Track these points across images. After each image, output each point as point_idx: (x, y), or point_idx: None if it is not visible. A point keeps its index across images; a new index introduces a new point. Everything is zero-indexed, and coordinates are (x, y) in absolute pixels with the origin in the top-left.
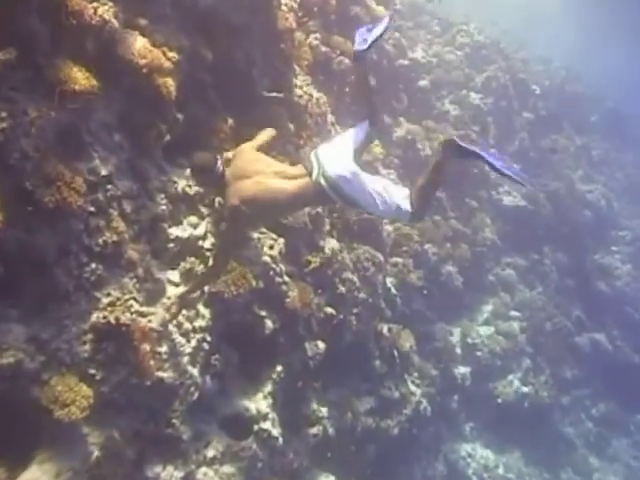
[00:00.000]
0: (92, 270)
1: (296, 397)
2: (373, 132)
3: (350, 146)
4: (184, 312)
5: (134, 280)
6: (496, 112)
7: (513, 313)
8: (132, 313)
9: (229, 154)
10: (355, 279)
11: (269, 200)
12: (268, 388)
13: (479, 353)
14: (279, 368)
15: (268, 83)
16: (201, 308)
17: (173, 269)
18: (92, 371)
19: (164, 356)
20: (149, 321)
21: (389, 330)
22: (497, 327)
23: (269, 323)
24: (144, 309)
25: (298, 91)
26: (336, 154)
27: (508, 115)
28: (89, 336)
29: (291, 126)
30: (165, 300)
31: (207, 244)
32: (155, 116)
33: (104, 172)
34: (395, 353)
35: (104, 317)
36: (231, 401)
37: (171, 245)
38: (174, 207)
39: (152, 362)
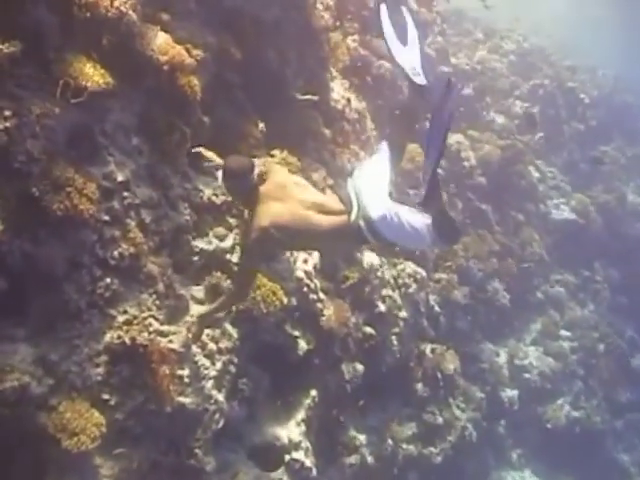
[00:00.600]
0: (106, 285)
1: (332, 423)
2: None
3: (387, 172)
4: (208, 332)
5: (154, 296)
6: (543, 121)
7: (563, 333)
8: (150, 333)
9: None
10: (396, 296)
11: (302, 232)
12: (301, 414)
13: (527, 375)
14: (313, 392)
15: (302, 85)
16: (228, 327)
17: (198, 285)
18: (105, 396)
19: (186, 380)
20: (170, 341)
21: (432, 351)
22: (546, 347)
23: (303, 344)
24: (164, 328)
25: (334, 95)
26: (375, 187)
27: (556, 124)
28: (103, 358)
29: (327, 132)
30: (188, 319)
31: (235, 258)
32: (178, 118)
33: (120, 178)
34: (439, 375)
35: (119, 337)
36: (260, 428)
37: (195, 258)
38: (199, 217)
39: (172, 386)
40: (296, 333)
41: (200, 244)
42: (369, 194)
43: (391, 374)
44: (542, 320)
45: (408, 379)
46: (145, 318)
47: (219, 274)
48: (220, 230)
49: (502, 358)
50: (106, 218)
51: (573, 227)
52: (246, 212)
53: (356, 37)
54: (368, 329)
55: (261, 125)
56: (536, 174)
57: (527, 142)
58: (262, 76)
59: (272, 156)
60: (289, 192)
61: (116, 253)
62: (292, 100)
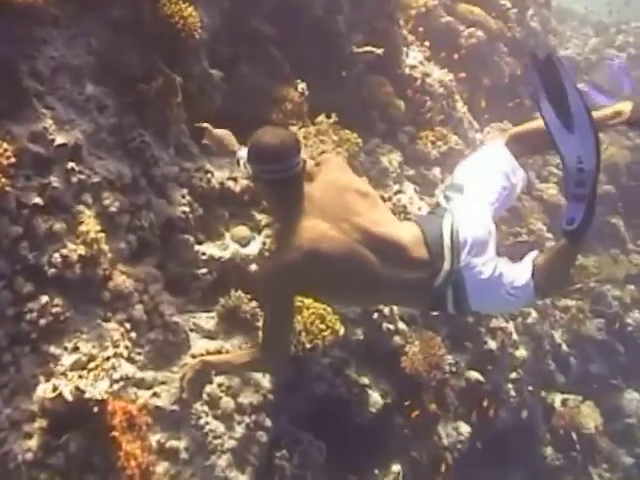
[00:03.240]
0: (42, 308)
1: None
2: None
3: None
4: (222, 380)
5: (126, 325)
6: None
7: None
8: (116, 381)
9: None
10: (511, 328)
11: (353, 273)
12: None
13: None
14: (395, 468)
15: (362, 41)
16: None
17: (206, 310)
18: None
19: (183, 455)
20: (154, 395)
21: (563, 403)
22: None
23: (375, 396)
24: (145, 375)
25: (410, 60)
26: (480, 221)
27: None
28: (37, 424)
29: (400, 104)
30: (188, 360)
31: None
32: (168, 66)
33: (61, 140)
34: (574, 436)
35: (55, 389)
36: None
37: (202, 271)
38: (207, 211)
39: (150, 467)
40: (364, 380)
41: (209, 249)
42: (472, 236)
43: (509, 435)
44: None
45: (533, 441)
46: (106, 359)
47: (239, 294)
48: (240, 230)
49: None
50: (37, 201)
51: None
52: (279, 219)
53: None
54: (473, 374)
55: (301, 86)
56: None
57: None
58: (305, 26)
59: (315, 123)
60: (349, 200)
61: (57, 257)
62: (347, 59)
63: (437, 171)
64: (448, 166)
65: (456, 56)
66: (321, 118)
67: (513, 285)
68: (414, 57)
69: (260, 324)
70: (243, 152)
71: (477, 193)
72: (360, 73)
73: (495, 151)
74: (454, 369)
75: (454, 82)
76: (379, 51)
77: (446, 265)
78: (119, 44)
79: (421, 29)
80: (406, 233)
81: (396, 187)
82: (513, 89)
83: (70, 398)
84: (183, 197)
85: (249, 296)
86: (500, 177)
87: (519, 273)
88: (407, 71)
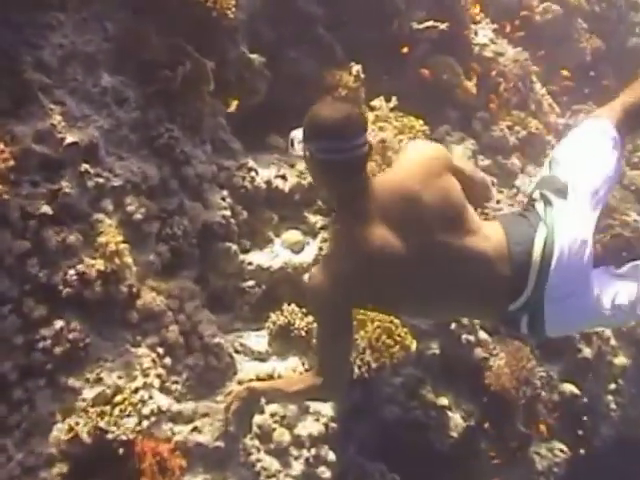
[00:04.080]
0: (57, 334)
1: None
2: None
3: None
4: (275, 409)
5: (158, 350)
6: None
7: None
8: (146, 417)
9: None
10: (608, 333)
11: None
12: None
13: None
14: None
15: (422, 18)
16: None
17: (257, 329)
18: None
19: None
20: (194, 430)
21: None
22: None
23: (457, 418)
24: (182, 407)
25: (480, 38)
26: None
27: None
28: (57, 469)
29: (471, 86)
30: (234, 387)
31: None
32: (197, 50)
33: (71, 139)
34: None
35: (71, 428)
36: None
37: (249, 284)
38: (253, 214)
39: None
40: (443, 401)
41: (256, 258)
42: (567, 262)
43: (612, 455)
44: None
45: (638, 462)
46: (136, 390)
47: (292, 309)
48: (293, 235)
49: None
50: (46, 210)
51: None
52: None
53: None
54: (568, 386)
55: (356, 68)
56: None
57: None
58: (356, 4)
59: (372, 108)
60: (424, 206)
61: (73, 274)
62: (408, 38)
63: (516, 160)
64: (528, 154)
65: (522, 33)
66: (379, 102)
67: (614, 304)
68: (484, 35)
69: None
70: (298, 131)
71: (582, 200)
72: (424, 53)
73: (603, 135)
74: (546, 382)
75: (530, 61)
76: (443, 26)
77: (527, 291)
78: (139, 27)
79: (491, 5)
80: (489, 244)
81: None
82: (595, 68)
83: (88, 440)
84: (223, 199)
85: (304, 310)
86: (609, 171)
87: (622, 288)
88: (477, 50)
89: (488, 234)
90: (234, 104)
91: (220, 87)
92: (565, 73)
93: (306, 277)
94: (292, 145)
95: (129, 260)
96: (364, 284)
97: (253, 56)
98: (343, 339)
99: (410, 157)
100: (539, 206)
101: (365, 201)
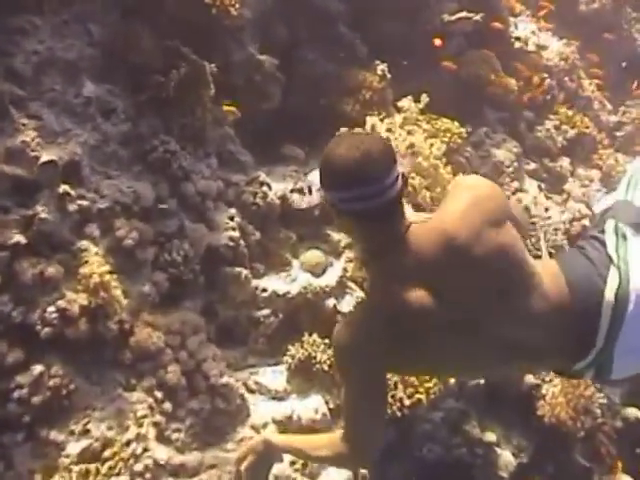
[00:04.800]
0: (35, 381)
1: None
2: None
3: None
4: (292, 459)
5: (155, 394)
6: None
7: None
8: (139, 474)
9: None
10: None
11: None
12: None
13: None
14: None
15: (454, 9)
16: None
17: (274, 364)
18: None
19: None
20: None
21: None
22: None
23: (507, 455)
24: (186, 458)
25: (521, 32)
26: None
27: None
28: None
29: (512, 83)
30: (247, 432)
31: (345, 306)
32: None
33: (47, 157)
34: None
35: None
36: None
37: (264, 313)
38: (266, 235)
39: None
40: (490, 436)
41: (271, 284)
42: None
43: None
44: None
45: None
46: (128, 443)
47: (314, 339)
48: (313, 255)
49: None
50: (19, 239)
51: None
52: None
53: None
54: (632, 411)
55: (381, 67)
56: None
57: None
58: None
59: (400, 110)
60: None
61: (52, 311)
62: (438, 31)
63: (566, 162)
64: (577, 155)
65: (566, 24)
66: (407, 103)
67: None
68: (525, 27)
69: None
70: (314, 175)
71: None
72: (457, 48)
73: None
74: (607, 409)
75: (577, 55)
76: (477, 17)
77: (595, 350)
78: (129, 29)
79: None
80: (549, 302)
81: (515, 185)
82: None
83: None
84: (231, 219)
85: (327, 341)
86: None
87: None
88: (517, 44)
89: (547, 289)
90: (242, 111)
91: (226, 93)
92: (615, 66)
93: (329, 302)
94: (309, 192)
95: (117, 292)
96: (398, 348)
97: (263, 57)
98: (375, 405)
99: (459, 197)
100: (610, 240)
101: (401, 255)
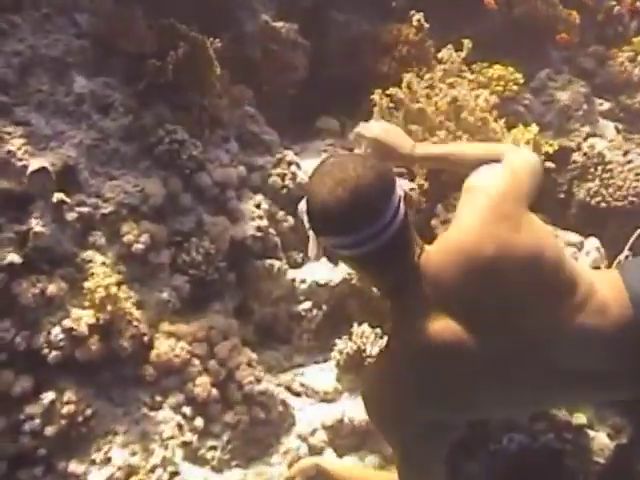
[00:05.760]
0: (46, 411)
1: None
2: None
3: None
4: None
5: (183, 411)
6: None
7: None
8: None
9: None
10: None
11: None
12: None
13: None
14: None
15: None
16: None
17: (324, 361)
18: None
19: None
20: None
21: None
22: None
23: (601, 438)
24: (225, 477)
25: None
26: None
27: None
28: None
29: (573, 15)
30: (293, 443)
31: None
32: (202, 28)
33: (37, 164)
34: None
35: None
36: None
37: (305, 306)
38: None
39: None
40: (580, 418)
41: (311, 273)
42: None
43: None
44: None
45: None
46: (153, 469)
47: (363, 330)
48: None
49: None
50: (13, 259)
51: None
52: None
53: None
54: None
55: (417, 17)
56: None
57: None
58: None
59: (440, 61)
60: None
61: (57, 332)
62: None
63: None
64: None
65: None
66: (447, 53)
67: None
68: None
69: None
70: (302, 204)
71: None
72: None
73: None
74: None
75: None
76: None
77: None
78: (120, 14)
79: None
80: (606, 320)
81: (586, 130)
82: None
83: None
84: (257, 207)
85: (378, 331)
86: None
87: None
88: None
89: (603, 302)
90: (265, 86)
91: (242, 68)
92: None
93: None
94: (303, 224)
95: (127, 305)
96: (432, 393)
97: (279, 24)
98: (428, 462)
99: (473, 204)
100: None
101: (419, 286)
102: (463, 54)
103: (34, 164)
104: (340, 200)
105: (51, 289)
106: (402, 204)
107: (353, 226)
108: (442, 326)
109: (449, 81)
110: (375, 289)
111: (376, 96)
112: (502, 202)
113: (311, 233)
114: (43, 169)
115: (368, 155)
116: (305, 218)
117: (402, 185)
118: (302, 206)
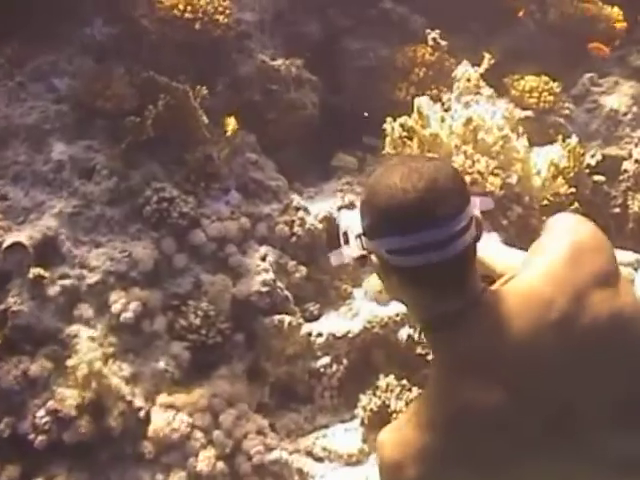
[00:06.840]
0: None
1: None
2: None
3: None
4: None
5: None
6: None
7: None
8: None
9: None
10: None
11: None
12: None
13: None
14: None
15: None
16: None
17: (350, 419)
18: None
19: None
20: None
21: None
22: None
23: None
24: None
25: None
26: None
27: None
28: None
29: (615, 12)
30: None
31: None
32: (193, 76)
33: (11, 239)
34: None
35: None
36: None
37: (324, 361)
38: (315, 268)
39: None
40: None
41: (327, 325)
42: None
43: None
44: None
45: None
46: None
47: (388, 382)
48: (378, 280)
49: None
50: None
51: None
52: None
53: None
54: None
55: (432, 36)
56: None
57: None
58: None
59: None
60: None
61: (42, 415)
62: None
63: None
64: None
65: None
66: (462, 69)
67: None
68: None
69: None
70: (348, 216)
71: None
72: None
73: None
74: None
75: None
76: None
77: None
78: (101, 74)
79: None
80: None
81: (637, 135)
82: None
83: None
84: (263, 259)
85: (404, 382)
86: None
87: None
88: None
89: None
90: (269, 129)
91: (242, 113)
92: None
93: (402, 334)
94: (345, 242)
95: (114, 380)
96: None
97: (278, 62)
98: None
99: (555, 245)
100: None
101: (472, 333)
102: (481, 69)
103: (8, 240)
104: (413, 188)
105: (34, 369)
106: (474, 224)
107: (419, 222)
108: (490, 387)
109: (464, 100)
110: (419, 321)
111: (387, 126)
112: (592, 252)
113: (355, 241)
114: (18, 244)
115: None
116: (355, 227)
117: (477, 204)
118: (349, 218)
